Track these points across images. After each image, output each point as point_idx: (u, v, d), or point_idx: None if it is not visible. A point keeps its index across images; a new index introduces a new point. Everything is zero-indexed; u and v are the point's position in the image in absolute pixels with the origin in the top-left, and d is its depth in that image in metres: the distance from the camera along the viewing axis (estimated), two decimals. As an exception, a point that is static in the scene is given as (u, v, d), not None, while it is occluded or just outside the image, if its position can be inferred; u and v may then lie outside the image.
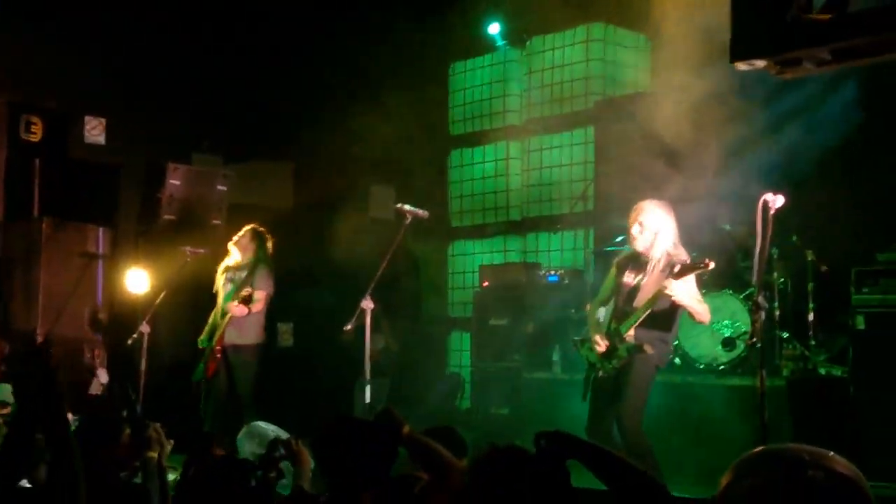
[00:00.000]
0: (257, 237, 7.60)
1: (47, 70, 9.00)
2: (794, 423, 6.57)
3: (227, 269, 7.64)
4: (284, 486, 4.19)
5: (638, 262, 5.76)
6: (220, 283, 7.61)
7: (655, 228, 5.67)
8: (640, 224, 5.68)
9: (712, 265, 5.51)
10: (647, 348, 5.59)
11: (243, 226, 7.87)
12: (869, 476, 1.96)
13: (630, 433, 5.51)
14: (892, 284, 6.62)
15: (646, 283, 5.64)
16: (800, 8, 4.00)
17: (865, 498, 1.86)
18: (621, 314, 5.67)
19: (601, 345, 5.65)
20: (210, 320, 7.64)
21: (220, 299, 7.58)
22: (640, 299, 5.60)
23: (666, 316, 5.71)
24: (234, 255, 7.58)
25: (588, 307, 6.11)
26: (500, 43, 10.96)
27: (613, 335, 5.66)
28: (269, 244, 7.64)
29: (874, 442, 6.51)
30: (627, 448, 5.49)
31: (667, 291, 5.41)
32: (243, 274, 7.52)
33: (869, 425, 6.56)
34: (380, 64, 10.24)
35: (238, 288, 7.44)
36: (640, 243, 5.70)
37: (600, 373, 5.69)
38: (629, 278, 5.75)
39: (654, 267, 5.64)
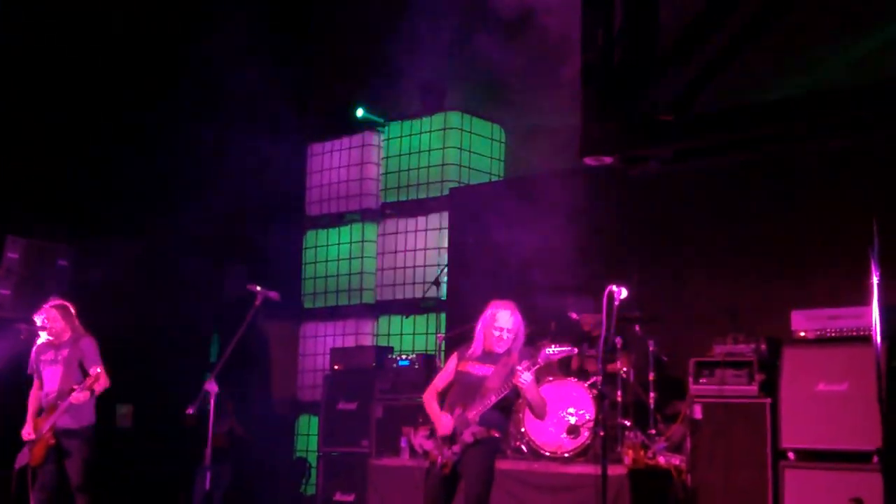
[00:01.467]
0: (65, 311, 7.25)
1: None
2: (634, 512, 6.67)
3: (46, 348, 7.24)
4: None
5: (485, 354, 5.81)
6: (42, 366, 7.20)
7: (516, 331, 5.81)
8: (500, 330, 5.77)
9: (576, 350, 5.68)
10: (494, 432, 5.62)
11: (84, 301, 7.54)
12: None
13: None
14: (727, 375, 6.88)
15: (492, 374, 5.68)
16: (646, 109, 4.20)
17: None
18: (467, 401, 5.65)
19: (446, 428, 5.59)
20: (32, 404, 7.22)
21: (43, 382, 7.17)
22: (489, 388, 5.62)
23: (507, 406, 5.80)
24: (49, 333, 7.20)
25: (424, 396, 6.00)
26: (362, 117, 11.03)
27: (458, 421, 5.63)
28: (74, 312, 7.30)
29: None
30: None
31: (521, 379, 5.48)
32: (65, 351, 7.15)
33: (706, 513, 6.74)
34: (238, 141, 10.16)
35: (66, 368, 7.06)
36: (501, 344, 5.78)
37: (439, 460, 5.61)
38: (474, 369, 5.77)
39: (506, 361, 5.70)
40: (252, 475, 9.61)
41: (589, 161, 4.07)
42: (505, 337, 5.78)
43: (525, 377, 5.49)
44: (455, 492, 5.67)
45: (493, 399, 5.58)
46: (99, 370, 6.93)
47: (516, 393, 5.66)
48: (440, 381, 5.97)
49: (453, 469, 5.58)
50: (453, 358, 5.99)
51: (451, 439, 5.60)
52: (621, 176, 8.35)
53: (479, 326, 5.91)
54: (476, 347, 5.86)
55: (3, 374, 7.43)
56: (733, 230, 8.17)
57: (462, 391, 5.74)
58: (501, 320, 5.80)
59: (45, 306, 7.23)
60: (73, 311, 7.29)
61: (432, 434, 5.72)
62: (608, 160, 4.20)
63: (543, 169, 9.87)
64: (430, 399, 5.90)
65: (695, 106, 4.11)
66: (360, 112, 11.13)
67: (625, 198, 8.68)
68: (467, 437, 5.56)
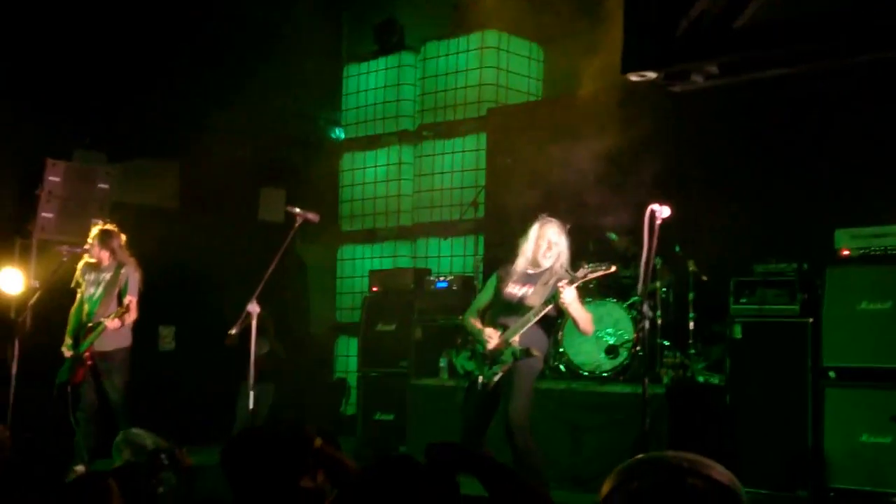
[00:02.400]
0: (110, 237, 7.32)
1: None
2: (672, 431, 6.70)
3: (89, 268, 7.34)
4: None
5: (525, 274, 5.77)
6: (84, 284, 7.33)
7: (561, 247, 5.74)
8: (549, 243, 5.71)
9: (614, 268, 5.66)
10: (535, 351, 5.61)
11: (126, 225, 7.61)
12: (744, 482, 2.00)
13: (518, 438, 5.51)
14: (768, 294, 6.83)
15: (532, 293, 5.65)
16: (690, 22, 4.08)
17: None
18: (507, 320, 5.64)
19: (493, 341, 5.59)
20: (71, 322, 7.35)
21: (85, 301, 7.29)
22: (529, 307, 5.60)
23: (548, 325, 5.78)
24: (91, 256, 7.30)
25: (463, 316, 6.02)
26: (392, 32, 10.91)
27: (499, 339, 5.63)
28: (123, 240, 7.37)
29: (750, 449, 6.70)
30: (515, 453, 5.50)
31: (563, 296, 5.44)
32: (107, 276, 7.24)
33: (745, 432, 6.75)
34: (273, 64, 10.10)
35: (106, 293, 7.17)
36: (546, 258, 5.72)
37: (480, 380, 5.63)
38: (515, 289, 5.74)
39: (546, 280, 5.66)
40: (293, 396, 9.75)
41: (632, 77, 3.97)
42: (552, 250, 5.71)
43: (568, 293, 5.44)
44: (495, 410, 5.69)
45: (534, 317, 5.56)
46: (130, 301, 7.04)
47: (557, 311, 5.64)
48: (481, 300, 5.97)
49: (494, 387, 5.60)
50: (494, 277, 5.97)
51: (492, 358, 5.61)
52: (663, 92, 8.22)
53: (523, 244, 5.85)
54: (518, 266, 5.81)
55: (46, 296, 7.52)
56: (777, 147, 8.04)
57: (503, 310, 5.74)
58: (549, 233, 5.75)
59: (92, 231, 7.32)
60: (117, 236, 7.35)
61: (473, 354, 5.73)
62: (651, 75, 4.08)
63: (582, 88, 9.73)
64: (470, 318, 5.90)
65: (742, 17, 3.98)
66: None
67: (666, 116, 8.54)
68: (507, 355, 5.57)
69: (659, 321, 7.43)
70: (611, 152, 8.96)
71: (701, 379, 7.21)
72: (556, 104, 10.12)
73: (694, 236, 7.58)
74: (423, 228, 10.89)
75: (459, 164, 10.62)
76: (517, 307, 5.66)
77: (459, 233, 10.44)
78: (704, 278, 7.66)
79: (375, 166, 11.38)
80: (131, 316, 7.09)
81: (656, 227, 5.86)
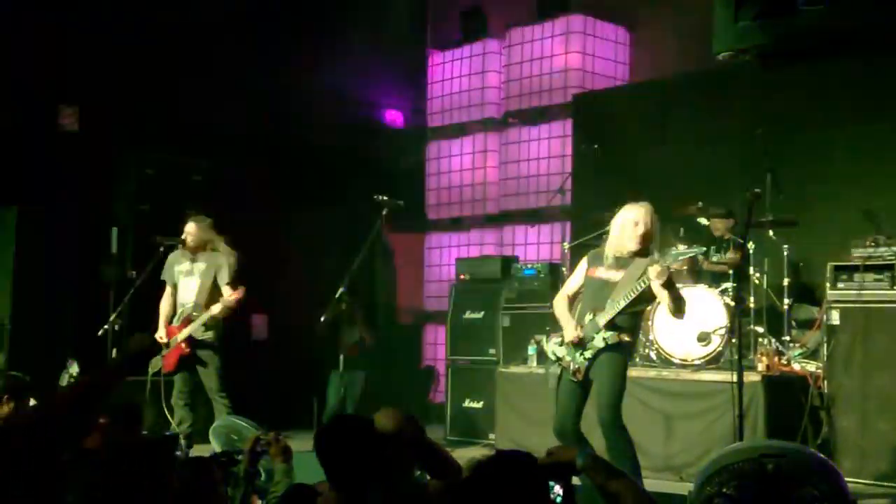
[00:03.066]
0: (206, 227, 7.46)
1: (16, 60, 8.88)
2: (768, 419, 6.57)
3: (182, 258, 7.50)
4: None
5: (615, 258, 5.67)
6: (178, 275, 7.48)
7: (651, 231, 5.63)
8: (637, 226, 5.60)
9: (703, 250, 5.47)
10: (625, 337, 5.53)
11: (218, 215, 7.75)
12: (843, 473, 1.95)
13: (611, 425, 5.45)
14: (866, 279, 6.63)
15: (623, 278, 5.56)
16: (784, 1, 3.98)
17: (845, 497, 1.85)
18: (597, 306, 5.58)
19: (576, 334, 5.55)
20: (164, 311, 7.51)
21: (180, 291, 7.45)
22: (620, 291, 5.51)
23: (639, 310, 5.69)
24: (188, 245, 7.45)
25: (554, 301, 5.95)
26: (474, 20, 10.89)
27: (589, 326, 5.57)
28: (215, 230, 7.50)
29: (848, 438, 6.53)
30: (608, 442, 5.45)
31: (653, 280, 5.34)
32: (202, 265, 7.39)
33: (843, 421, 6.58)
34: (359, 54, 10.18)
35: (202, 281, 7.32)
36: (636, 241, 5.60)
37: (572, 366, 5.58)
38: (604, 273, 5.66)
39: (636, 264, 5.55)
40: (381, 383, 9.84)
41: (724, 57, 3.88)
42: (640, 233, 5.59)
43: (658, 276, 5.32)
44: (587, 397, 5.64)
45: (624, 302, 5.48)
46: (240, 291, 7.15)
47: (648, 296, 5.55)
48: (570, 286, 5.90)
49: (585, 374, 5.56)
50: (583, 263, 5.88)
51: (582, 344, 5.56)
52: (754, 73, 8.06)
53: (612, 228, 5.76)
54: (607, 250, 5.71)
55: (143, 287, 7.72)
56: (872, 128, 7.80)
57: (592, 296, 5.66)
58: (637, 216, 5.63)
59: (188, 221, 7.48)
60: (211, 226, 7.51)
61: (564, 340, 5.67)
62: (745, 56, 3.99)
63: (670, 71, 9.58)
64: (560, 304, 5.84)
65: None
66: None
67: (757, 97, 8.36)
68: (598, 341, 5.51)
69: (752, 307, 7.27)
70: (700, 136, 8.82)
71: (797, 366, 7.04)
72: (643, 88, 9.98)
73: (789, 220, 7.38)
74: (509, 216, 10.87)
75: (546, 150, 10.56)
76: (607, 292, 5.58)
77: (546, 220, 10.38)
78: (800, 263, 7.48)
79: (461, 154, 11.39)
80: (238, 294, 7.16)
81: (752, 212, 5.74)
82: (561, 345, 5.67)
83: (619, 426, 5.46)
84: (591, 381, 5.59)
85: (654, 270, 5.32)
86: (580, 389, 5.61)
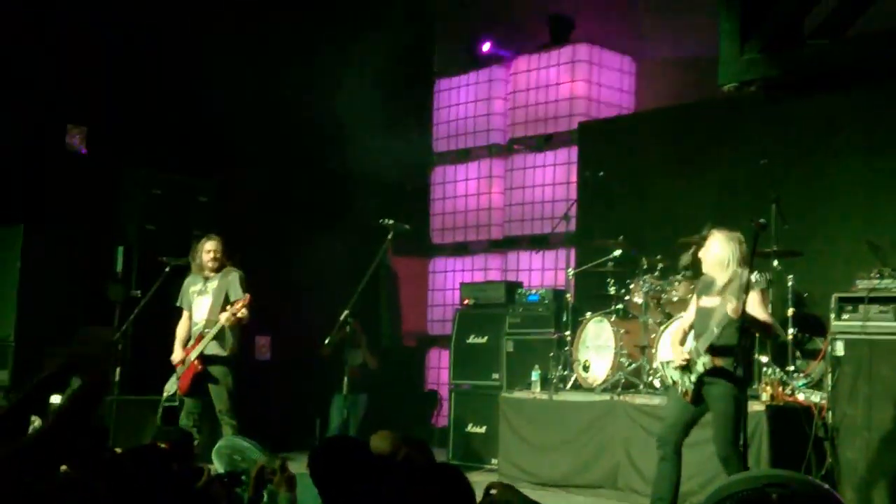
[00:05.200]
0: (216, 247, 7.48)
1: (24, 80, 8.95)
2: (772, 448, 6.56)
3: (195, 280, 7.50)
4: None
5: (711, 286, 5.94)
6: (192, 297, 7.48)
7: (721, 256, 5.90)
8: (716, 255, 5.89)
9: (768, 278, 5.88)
10: (717, 362, 5.73)
11: (223, 235, 7.77)
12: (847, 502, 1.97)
13: (726, 457, 5.66)
14: (871, 311, 6.64)
15: (719, 305, 5.78)
16: (791, 34, 4.02)
17: None
18: (700, 333, 5.85)
19: (682, 358, 5.86)
20: (180, 333, 7.51)
21: (194, 312, 7.45)
22: (716, 318, 5.75)
23: (737, 331, 5.73)
24: (204, 265, 7.46)
25: (672, 334, 6.34)
26: (486, 50, 10.98)
27: (693, 352, 5.82)
28: (224, 249, 7.53)
29: (852, 469, 6.52)
30: (727, 472, 5.61)
31: (745, 308, 5.55)
32: (214, 283, 7.41)
33: (847, 452, 6.57)
34: (367, 78, 10.23)
35: (215, 300, 7.33)
36: (712, 272, 5.93)
37: (680, 388, 5.92)
38: (706, 302, 5.93)
39: (725, 289, 5.78)
40: (385, 407, 9.83)
41: (730, 89, 3.92)
42: (708, 261, 5.93)
43: (735, 313, 5.56)
44: (698, 417, 5.94)
45: (717, 328, 5.68)
46: (247, 298, 7.15)
47: (723, 315, 5.72)
48: (686, 318, 6.23)
49: (694, 397, 5.81)
50: (693, 296, 6.24)
51: (689, 369, 5.83)
52: (759, 105, 8.11)
53: (704, 257, 6.08)
54: (707, 280, 6.00)
55: (149, 306, 7.72)
56: (877, 160, 7.84)
57: (699, 323, 5.94)
58: (708, 245, 5.98)
59: (203, 241, 7.50)
60: (221, 245, 7.53)
61: (671, 367, 6.02)
62: (750, 88, 4.03)
63: (675, 101, 9.63)
64: (675, 334, 6.20)
65: (845, 29, 3.89)
66: (486, 46, 11.08)
67: (763, 128, 8.41)
68: (699, 366, 5.75)
69: (757, 337, 7.28)
70: (704, 165, 8.86)
71: (801, 396, 7.04)
72: (648, 117, 10.04)
73: (793, 251, 7.42)
74: (514, 241, 10.90)
75: (551, 177, 10.61)
76: (708, 319, 5.80)
77: (551, 246, 10.42)
78: (804, 294, 7.50)
79: (466, 179, 11.44)
80: (245, 315, 7.17)
81: (756, 242, 5.78)
82: (675, 369, 5.97)
83: (736, 462, 5.58)
84: (700, 404, 5.86)
85: (730, 308, 5.59)
86: (691, 407, 5.88)
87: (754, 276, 5.81)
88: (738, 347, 5.78)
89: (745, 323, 5.61)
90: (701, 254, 6.06)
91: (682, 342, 6.06)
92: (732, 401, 5.70)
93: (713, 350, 5.72)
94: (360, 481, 3.28)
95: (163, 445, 4.48)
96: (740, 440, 5.54)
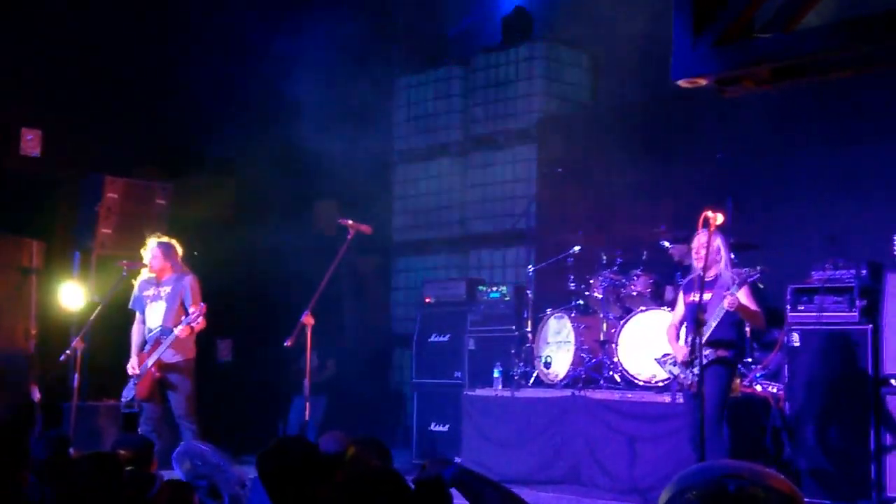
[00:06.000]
0: (170, 250, 7.39)
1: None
2: (730, 439, 6.62)
3: (148, 283, 7.41)
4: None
5: (700, 282, 6.04)
6: (145, 300, 7.40)
7: (723, 253, 6.24)
8: (704, 250, 6.03)
9: (762, 269, 6.09)
10: (722, 352, 6.07)
11: (182, 239, 7.70)
12: (805, 493, 1.98)
13: (708, 433, 5.75)
14: (826, 301, 6.73)
15: (711, 299, 6.05)
16: (742, 27, 4.04)
17: None
18: (697, 326, 5.93)
19: (682, 353, 6.15)
20: (135, 340, 7.43)
21: (147, 316, 7.37)
22: (711, 311, 6.02)
23: (734, 322, 6.19)
24: (151, 269, 7.37)
25: (666, 330, 6.56)
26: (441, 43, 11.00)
27: (693, 345, 5.99)
28: (180, 251, 7.45)
29: (810, 458, 6.60)
30: (708, 441, 5.68)
31: (741, 300, 5.98)
32: (168, 288, 7.32)
33: (804, 442, 6.65)
34: (325, 78, 10.20)
35: (169, 305, 7.25)
36: (697, 264, 6.18)
37: (685, 382, 6.15)
38: (694, 297, 6.08)
39: (721, 284, 6.12)
40: (347, 407, 9.81)
41: (682, 83, 3.93)
42: (696, 257, 6.21)
43: (731, 306, 5.96)
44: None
45: (713, 322, 6.00)
46: (202, 308, 7.08)
47: (719, 309, 6.05)
48: (676, 314, 6.54)
49: (699, 387, 5.91)
50: (680, 293, 6.52)
51: (690, 363, 6.08)
52: (715, 99, 8.16)
53: (692, 254, 6.39)
54: (694, 276, 6.24)
55: (107, 310, 7.64)
56: (831, 153, 7.94)
57: (689, 318, 6.19)
58: (695, 242, 6.24)
59: (150, 243, 7.40)
60: (176, 249, 7.45)
61: (677, 360, 6.27)
62: (702, 81, 4.04)
63: (633, 96, 9.69)
64: (669, 331, 6.50)
65: (797, 22, 3.91)
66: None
67: (719, 122, 8.48)
68: (700, 360, 5.88)
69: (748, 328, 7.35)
70: (662, 160, 8.92)
71: (759, 387, 7.12)
72: (606, 113, 10.09)
73: (749, 243, 7.49)
74: (474, 239, 10.91)
75: (510, 174, 10.63)
76: (703, 310, 5.93)
77: (511, 243, 10.44)
78: (761, 286, 7.57)
79: (427, 178, 11.44)
80: (201, 324, 7.12)
81: (710, 235, 5.86)
82: (675, 364, 6.25)
83: (715, 433, 5.93)
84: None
85: (727, 302, 5.98)
86: (698, 401, 5.96)
87: (747, 270, 6.09)
88: (735, 338, 6.20)
89: (740, 315, 6.07)
90: (703, 252, 6.10)
91: (677, 338, 6.38)
92: (725, 382, 6.11)
93: (712, 342, 6.04)
94: (309, 483, 3.26)
95: (122, 452, 4.44)
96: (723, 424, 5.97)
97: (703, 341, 5.91)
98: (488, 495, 2.64)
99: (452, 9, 11.37)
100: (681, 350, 6.24)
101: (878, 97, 7.59)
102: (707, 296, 6.01)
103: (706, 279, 6.00)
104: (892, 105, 7.57)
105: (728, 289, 6.03)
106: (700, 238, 6.13)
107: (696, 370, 5.96)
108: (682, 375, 6.21)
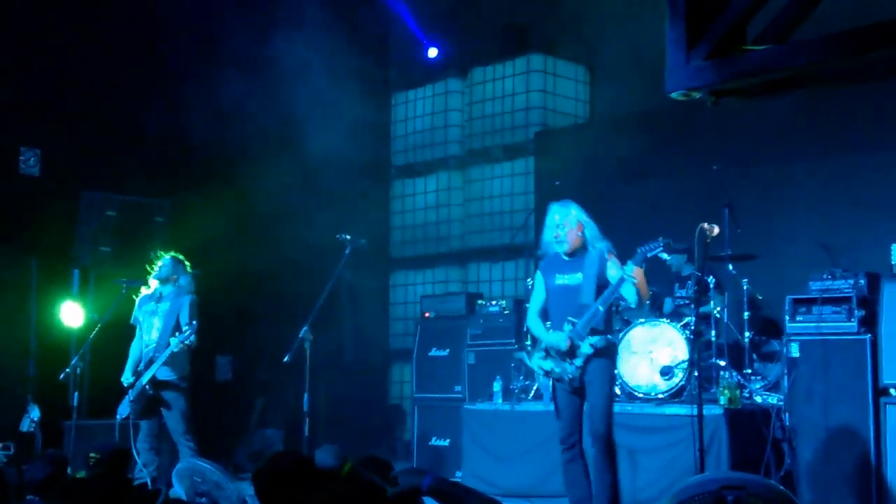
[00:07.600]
0: (178, 266, 7.41)
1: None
2: (730, 451, 6.62)
3: (147, 300, 7.42)
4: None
5: (565, 261, 5.66)
6: (142, 316, 7.40)
7: (572, 223, 5.62)
8: (570, 224, 5.61)
9: (664, 242, 5.56)
10: (609, 336, 5.56)
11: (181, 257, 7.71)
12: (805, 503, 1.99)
13: (604, 437, 5.47)
14: (825, 312, 6.72)
15: (584, 279, 5.54)
16: (735, 40, 4.06)
17: None
18: (572, 312, 5.52)
19: (566, 343, 5.49)
20: (132, 355, 7.43)
21: (144, 333, 7.37)
22: (589, 293, 5.48)
23: (609, 309, 5.66)
24: (155, 284, 7.38)
25: (528, 321, 5.98)
26: (437, 58, 11.03)
27: (573, 334, 5.52)
28: (190, 271, 7.46)
29: (810, 469, 6.59)
30: (598, 453, 5.47)
31: (622, 271, 5.37)
32: (166, 305, 7.32)
33: (804, 453, 6.64)
34: (323, 95, 10.22)
35: (166, 322, 7.24)
36: (567, 243, 5.62)
37: (565, 376, 5.54)
38: (564, 279, 5.64)
39: (590, 262, 5.56)
40: (349, 421, 9.80)
41: (677, 96, 3.95)
42: (561, 232, 5.62)
43: (637, 276, 5.36)
44: (583, 402, 5.60)
45: (603, 308, 5.45)
46: (193, 325, 7.07)
47: (614, 289, 5.47)
48: (536, 302, 5.83)
49: (581, 381, 5.52)
50: (538, 275, 5.84)
51: (571, 353, 5.51)
52: (711, 111, 8.19)
53: (548, 234, 5.75)
54: (555, 256, 5.70)
55: (106, 328, 7.64)
56: (829, 163, 7.96)
57: (562, 303, 5.61)
58: (568, 214, 5.66)
59: (164, 257, 7.42)
60: (185, 267, 7.44)
61: (548, 352, 5.62)
62: (696, 94, 4.06)
63: (630, 108, 9.71)
64: (534, 322, 5.80)
65: (790, 34, 3.93)
66: (433, 52, 11.13)
67: (715, 134, 8.51)
68: (585, 348, 5.47)
69: (714, 341, 7.35)
70: (659, 172, 8.94)
71: (759, 399, 7.11)
72: (603, 125, 10.12)
73: (747, 254, 7.50)
74: (473, 253, 10.92)
75: (508, 188, 10.65)
76: (574, 296, 5.54)
77: (510, 257, 10.45)
78: (759, 297, 7.58)
79: (425, 192, 11.46)
80: (193, 340, 7.10)
81: (706, 247, 5.85)
82: (545, 358, 5.63)
83: (611, 439, 5.51)
84: (585, 388, 5.55)
85: (636, 273, 5.35)
86: (578, 398, 5.58)
87: (606, 245, 5.58)
88: (611, 316, 5.67)
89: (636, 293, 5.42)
90: (548, 232, 5.71)
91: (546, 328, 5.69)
92: (612, 377, 5.60)
93: (594, 326, 5.46)
94: (305, 497, 3.26)
95: (93, 455, 4.40)
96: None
97: (588, 330, 5.40)
98: (470, 502, 2.64)
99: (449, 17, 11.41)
100: (561, 339, 5.49)
101: (875, 107, 7.61)
102: (577, 276, 5.52)
103: (573, 258, 5.56)
104: (889, 114, 7.59)
105: (604, 260, 5.44)
106: (562, 211, 5.59)
107: (577, 362, 5.41)
108: (557, 370, 5.52)
